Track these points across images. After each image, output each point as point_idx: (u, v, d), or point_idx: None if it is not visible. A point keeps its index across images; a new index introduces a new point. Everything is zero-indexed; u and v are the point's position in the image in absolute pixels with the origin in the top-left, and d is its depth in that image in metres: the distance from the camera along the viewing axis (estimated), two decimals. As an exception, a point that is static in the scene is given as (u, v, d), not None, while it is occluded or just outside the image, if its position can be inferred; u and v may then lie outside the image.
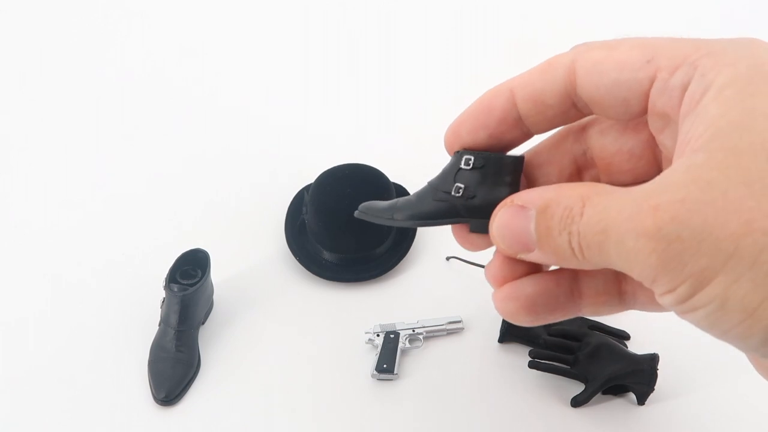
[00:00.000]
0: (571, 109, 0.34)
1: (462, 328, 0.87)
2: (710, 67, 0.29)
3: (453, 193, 0.36)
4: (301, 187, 1.00)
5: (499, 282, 0.36)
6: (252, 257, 0.95)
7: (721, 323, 0.27)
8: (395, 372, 0.82)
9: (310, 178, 0.97)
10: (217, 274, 0.89)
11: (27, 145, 1.14)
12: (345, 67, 1.29)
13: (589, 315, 0.36)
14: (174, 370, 0.80)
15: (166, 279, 0.84)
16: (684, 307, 0.28)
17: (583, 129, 0.36)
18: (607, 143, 0.35)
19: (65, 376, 0.82)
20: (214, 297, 0.89)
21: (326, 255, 0.94)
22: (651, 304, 0.35)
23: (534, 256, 0.33)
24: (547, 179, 0.37)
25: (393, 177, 0.97)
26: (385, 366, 0.82)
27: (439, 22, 1.39)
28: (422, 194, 0.38)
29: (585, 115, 0.34)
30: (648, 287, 0.29)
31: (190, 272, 0.86)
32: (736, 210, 0.26)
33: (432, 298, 0.91)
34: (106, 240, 0.97)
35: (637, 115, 0.32)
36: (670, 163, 0.30)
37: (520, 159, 0.36)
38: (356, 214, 0.42)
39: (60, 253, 0.96)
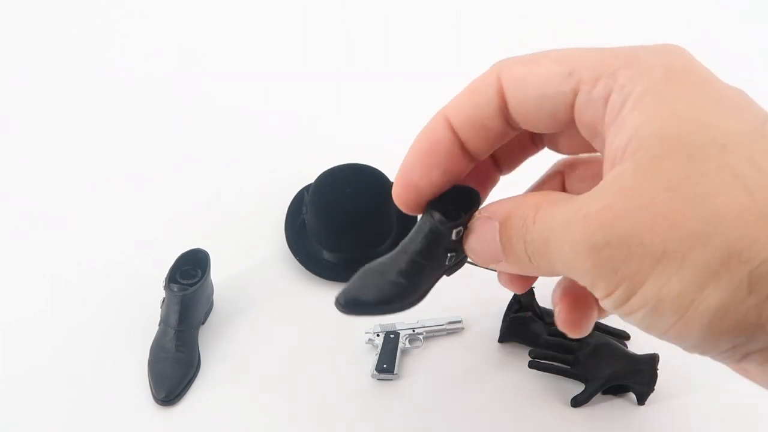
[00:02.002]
0: (508, 127, 0.34)
1: (462, 328, 0.87)
2: (629, 76, 0.29)
3: (447, 262, 0.37)
4: (301, 187, 1.00)
5: (516, 285, 0.38)
6: (252, 257, 0.95)
7: (658, 324, 0.28)
8: (395, 372, 0.82)
9: (310, 178, 0.97)
10: (217, 274, 0.89)
11: (27, 145, 1.14)
12: (345, 67, 1.29)
13: None
14: (174, 370, 0.80)
15: (166, 279, 0.84)
16: (622, 310, 0.29)
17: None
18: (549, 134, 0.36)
19: (65, 376, 0.82)
20: (214, 297, 0.89)
21: (326, 255, 0.94)
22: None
23: (503, 266, 0.34)
24: (509, 159, 0.39)
25: (393, 177, 0.97)
26: (385, 366, 0.82)
27: (440, 22, 1.39)
28: (407, 270, 0.37)
29: (516, 132, 0.35)
30: (591, 292, 0.30)
31: (190, 272, 0.86)
32: (663, 214, 0.27)
33: (432, 298, 0.90)
34: (106, 240, 0.97)
35: (565, 126, 0.32)
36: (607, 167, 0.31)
37: (476, 194, 0.36)
38: (339, 308, 0.40)
39: (60, 253, 0.96)
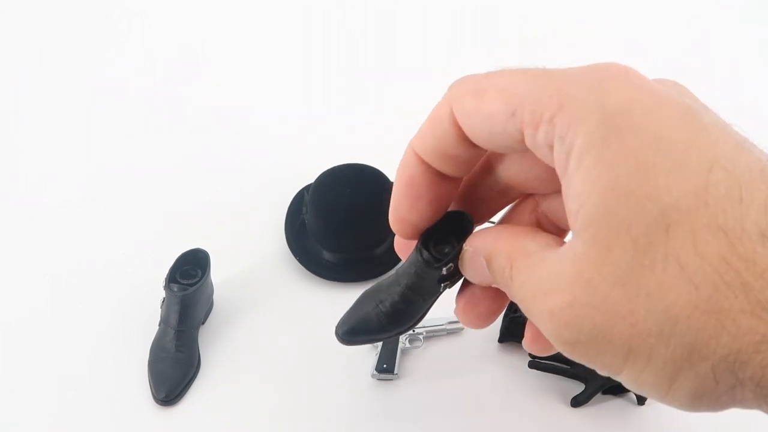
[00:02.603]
0: (472, 150, 0.34)
1: (462, 328, 0.87)
2: (566, 125, 0.29)
3: (441, 290, 0.39)
4: (301, 187, 1.00)
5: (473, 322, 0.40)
6: (252, 257, 0.95)
7: (652, 397, 0.30)
8: (395, 372, 0.82)
9: (310, 178, 0.97)
10: (217, 274, 0.88)
11: (27, 145, 1.14)
12: (345, 67, 1.29)
13: None
14: (174, 370, 0.80)
15: (166, 279, 0.84)
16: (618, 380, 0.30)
17: (490, 166, 0.37)
18: (513, 175, 0.36)
19: (65, 375, 0.82)
20: (214, 297, 0.89)
21: (326, 255, 0.94)
22: None
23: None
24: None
25: (393, 177, 0.97)
26: (385, 366, 0.82)
27: (440, 22, 1.39)
28: (405, 305, 0.40)
29: (485, 151, 0.35)
30: None
31: (190, 272, 0.86)
32: (619, 314, 0.27)
33: (432, 298, 0.90)
34: (106, 240, 0.97)
35: (525, 150, 0.32)
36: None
37: (467, 220, 0.37)
38: (340, 339, 0.43)
39: (60, 253, 0.96)
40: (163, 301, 0.84)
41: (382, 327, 0.40)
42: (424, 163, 0.35)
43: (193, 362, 0.82)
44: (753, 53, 1.30)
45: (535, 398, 0.80)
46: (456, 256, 0.35)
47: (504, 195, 0.38)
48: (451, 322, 0.86)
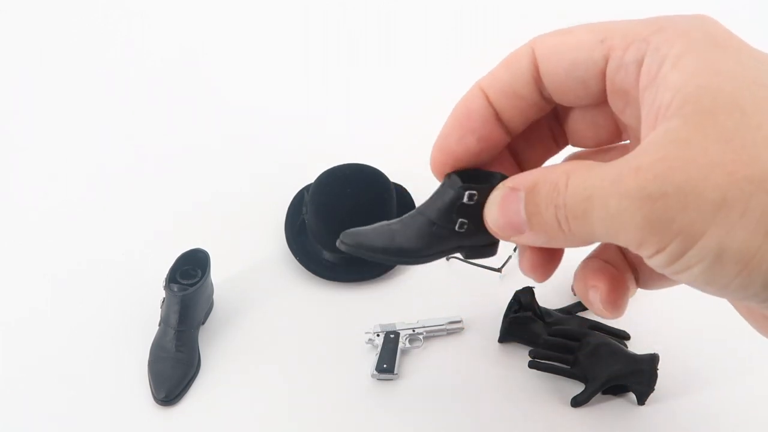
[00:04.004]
0: (541, 99, 0.34)
1: (462, 328, 0.87)
2: (663, 40, 0.29)
3: (457, 228, 0.36)
4: (301, 187, 1.00)
5: (538, 272, 0.36)
6: (252, 257, 0.95)
7: (720, 277, 0.27)
8: (395, 372, 0.82)
9: (310, 178, 0.97)
10: (217, 274, 0.89)
11: (27, 144, 1.14)
12: (345, 67, 1.29)
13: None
14: (174, 370, 0.80)
15: (166, 279, 0.84)
16: (677, 266, 0.27)
17: (554, 110, 0.37)
18: (576, 119, 0.36)
19: (65, 376, 0.82)
20: (214, 297, 0.89)
21: (326, 255, 0.94)
22: (657, 279, 0.35)
23: (525, 238, 0.33)
24: (533, 161, 0.38)
25: (393, 177, 0.97)
26: (385, 366, 0.82)
27: (440, 21, 1.39)
28: (418, 227, 0.37)
29: (550, 106, 0.35)
30: (635, 252, 0.28)
31: (190, 272, 0.86)
32: (718, 163, 0.26)
33: (432, 298, 0.91)
34: (106, 240, 0.97)
35: (597, 97, 0.33)
36: (637, 140, 0.31)
37: (499, 175, 0.35)
38: (343, 247, 0.38)
39: (60, 253, 0.96)
40: (163, 301, 0.84)
41: (387, 244, 0.38)
42: (487, 100, 0.35)
43: (193, 362, 0.82)
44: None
45: (535, 398, 0.80)
46: (484, 189, 0.35)
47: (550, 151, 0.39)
48: (451, 322, 0.86)
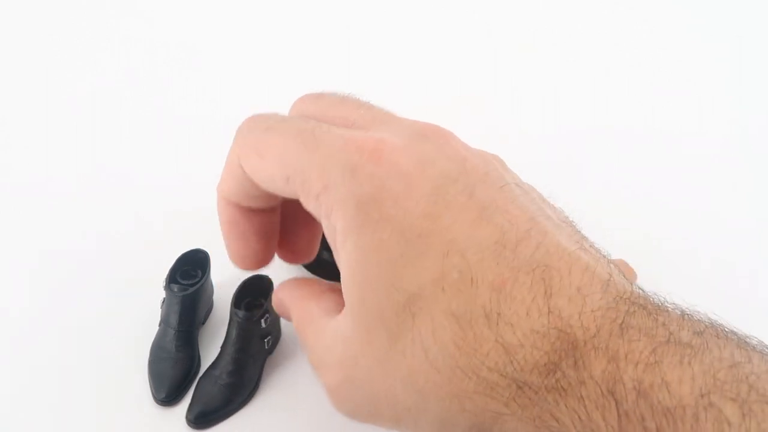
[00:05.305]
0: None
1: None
2: (330, 207, 0.31)
3: (267, 347, 0.43)
4: (301, 187, 1.00)
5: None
6: (252, 257, 0.95)
7: None
8: (395, 372, 0.82)
9: (310, 178, 0.97)
10: (217, 274, 0.89)
11: (27, 144, 1.14)
12: (345, 67, 1.29)
13: None
14: (174, 370, 0.80)
15: (166, 279, 0.84)
16: None
17: None
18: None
19: (65, 376, 0.82)
20: (214, 297, 0.89)
21: (326, 255, 0.94)
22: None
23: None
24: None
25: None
26: (385, 366, 0.82)
27: (440, 21, 1.39)
28: (238, 367, 0.50)
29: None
30: None
31: (190, 272, 0.86)
32: (382, 390, 0.31)
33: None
34: (105, 240, 0.97)
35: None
36: None
37: (266, 280, 0.41)
38: (194, 428, 0.49)
39: (60, 253, 0.96)
40: (163, 302, 0.84)
41: (228, 399, 0.46)
42: (235, 204, 0.38)
43: (193, 362, 0.82)
44: (752, 56, 1.30)
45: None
46: (267, 309, 0.39)
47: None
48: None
